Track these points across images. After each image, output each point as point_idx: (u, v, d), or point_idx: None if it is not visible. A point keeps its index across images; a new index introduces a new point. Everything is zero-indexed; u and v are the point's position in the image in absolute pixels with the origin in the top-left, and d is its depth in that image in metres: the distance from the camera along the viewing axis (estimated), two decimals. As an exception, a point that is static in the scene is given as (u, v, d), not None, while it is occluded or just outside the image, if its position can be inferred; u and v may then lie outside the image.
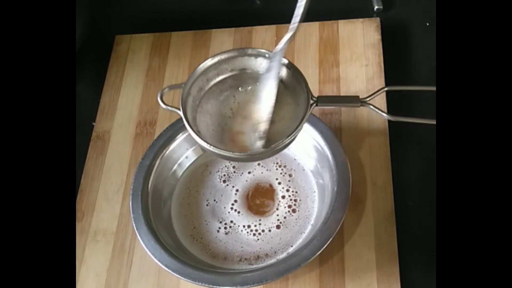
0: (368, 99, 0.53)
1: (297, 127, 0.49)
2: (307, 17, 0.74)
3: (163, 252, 0.53)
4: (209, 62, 0.52)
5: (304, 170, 0.61)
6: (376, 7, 0.74)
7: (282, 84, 0.52)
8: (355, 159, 0.61)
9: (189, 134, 0.55)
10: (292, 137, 0.49)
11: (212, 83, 0.53)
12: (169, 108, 0.51)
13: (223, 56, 0.52)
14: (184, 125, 0.50)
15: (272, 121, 0.52)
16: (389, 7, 0.74)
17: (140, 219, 0.55)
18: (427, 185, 0.59)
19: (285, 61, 0.51)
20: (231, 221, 0.59)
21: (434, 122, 0.44)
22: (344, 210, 0.53)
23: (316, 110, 0.65)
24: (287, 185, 0.60)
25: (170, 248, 0.54)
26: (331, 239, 0.52)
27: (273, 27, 0.73)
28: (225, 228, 0.59)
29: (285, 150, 0.54)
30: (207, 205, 0.60)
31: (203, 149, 0.51)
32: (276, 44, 0.50)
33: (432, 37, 0.70)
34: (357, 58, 0.69)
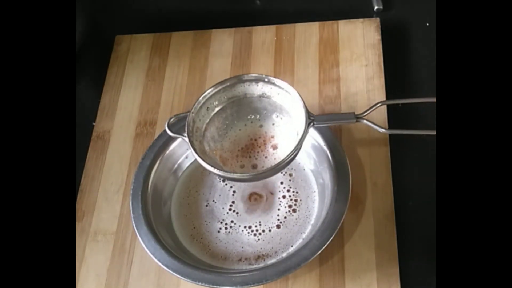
0: (364, 114, 0.55)
1: (296, 146, 0.51)
2: (307, 17, 0.75)
3: (163, 252, 0.53)
4: (210, 91, 0.54)
5: (304, 170, 0.61)
6: (376, 7, 0.74)
7: (280, 105, 0.55)
8: (355, 159, 0.61)
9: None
10: (292, 156, 0.51)
11: (215, 110, 0.55)
12: (175, 135, 0.53)
13: (224, 85, 0.55)
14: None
15: (272, 141, 0.56)
16: (389, 7, 0.74)
17: (140, 219, 0.55)
18: (427, 185, 0.59)
19: (283, 83, 0.54)
20: (232, 221, 0.59)
21: (433, 132, 0.44)
22: (344, 210, 0.53)
23: (316, 109, 0.65)
24: (288, 185, 0.60)
25: (170, 248, 0.54)
26: (331, 239, 0.52)
27: (273, 27, 0.73)
28: (226, 228, 0.59)
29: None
30: (206, 205, 0.60)
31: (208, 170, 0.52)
32: (276, 44, 0.50)
33: (432, 37, 0.70)
34: (357, 58, 0.69)
